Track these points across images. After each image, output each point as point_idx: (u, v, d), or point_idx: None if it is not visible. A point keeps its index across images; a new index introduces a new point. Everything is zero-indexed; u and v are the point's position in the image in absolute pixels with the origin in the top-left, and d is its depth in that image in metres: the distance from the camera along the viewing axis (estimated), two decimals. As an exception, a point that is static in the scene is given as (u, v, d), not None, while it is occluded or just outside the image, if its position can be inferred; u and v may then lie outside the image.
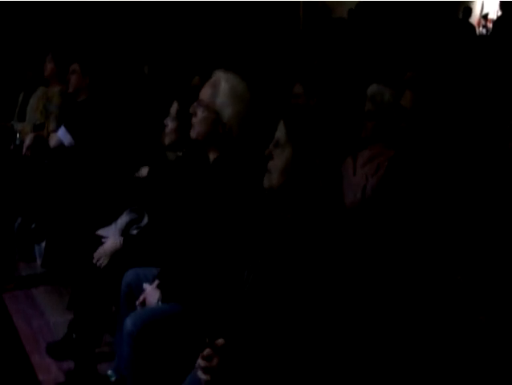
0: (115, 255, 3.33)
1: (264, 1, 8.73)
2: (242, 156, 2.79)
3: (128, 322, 2.71)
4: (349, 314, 2.18)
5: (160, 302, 2.78)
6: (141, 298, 2.84)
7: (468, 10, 10.20)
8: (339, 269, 2.12)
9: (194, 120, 2.88)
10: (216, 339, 2.10)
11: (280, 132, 2.26)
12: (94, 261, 3.33)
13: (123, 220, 3.56)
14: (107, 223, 3.59)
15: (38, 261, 4.97)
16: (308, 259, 2.10)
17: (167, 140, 3.52)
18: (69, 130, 4.76)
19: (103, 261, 3.33)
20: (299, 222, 2.20)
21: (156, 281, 2.88)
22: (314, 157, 2.20)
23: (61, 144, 4.78)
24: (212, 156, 2.91)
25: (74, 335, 3.63)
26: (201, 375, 2.06)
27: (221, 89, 2.81)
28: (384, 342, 2.58)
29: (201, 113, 2.85)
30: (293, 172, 2.22)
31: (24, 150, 4.99)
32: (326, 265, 2.09)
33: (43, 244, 4.84)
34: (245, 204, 2.60)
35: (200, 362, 2.07)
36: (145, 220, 3.56)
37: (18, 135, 5.29)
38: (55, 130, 4.98)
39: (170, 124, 3.48)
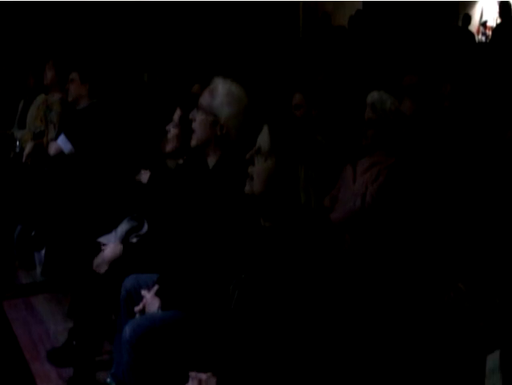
0: (114, 262, 3.32)
1: (263, 8, 8.75)
2: (241, 161, 2.81)
3: (127, 330, 2.70)
4: (339, 326, 2.17)
5: (159, 310, 2.78)
6: (141, 306, 2.83)
7: (467, 18, 10.22)
8: (325, 279, 2.10)
9: (194, 125, 2.97)
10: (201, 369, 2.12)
11: (263, 140, 2.23)
12: (93, 268, 3.32)
13: (123, 228, 3.55)
14: (107, 231, 3.58)
15: (38, 269, 4.96)
16: (290, 271, 2.08)
17: (168, 147, 3.53)
18: (69, 138, 4.76)
19: (102, 269, 3.32)
20: (279, 232, 2.19)
21: (155, 288, 2.87)
22: (297, 169, 2.18)
23: (61, 152, 4.78)
24: (211, 161, 2.96)
25: (74, 342, 3.62)
26: None
27: (218, 92, 2.91)
28: (378, 353, 2.58)
29: (199, 117, 2.94)
30: (274, 181, 2.19)
31: (24, 158, 5.00)
32: (309, 276, 2.07)
33: (43, 252, 4.84)
34: (242, 210, 2.60)
35: None
36: (145, 228, 3.56)
37: (18, 142, 5.30)
38: (55, 138, 4.98)
39: (172, 131, 3.49)
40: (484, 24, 12.07)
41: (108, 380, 3.32)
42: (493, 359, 2.14)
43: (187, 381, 2.16)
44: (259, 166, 2.22)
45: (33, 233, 4.86)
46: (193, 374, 2.12)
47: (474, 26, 11.51)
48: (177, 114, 3.51)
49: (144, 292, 2.86)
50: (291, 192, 2.18)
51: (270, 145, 2.20)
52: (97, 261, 3.33)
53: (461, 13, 10.54)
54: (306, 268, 2.07)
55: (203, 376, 2.10)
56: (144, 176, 4.01)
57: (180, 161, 3.52)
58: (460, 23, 10.20)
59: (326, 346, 2.09)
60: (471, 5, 12.00)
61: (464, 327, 2.54)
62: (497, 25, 9.16)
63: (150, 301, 2.82)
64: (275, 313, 2.07)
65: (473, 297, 2.63)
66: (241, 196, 2.34)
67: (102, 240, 3.52)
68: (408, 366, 2.52)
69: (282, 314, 2.06)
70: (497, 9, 9.78)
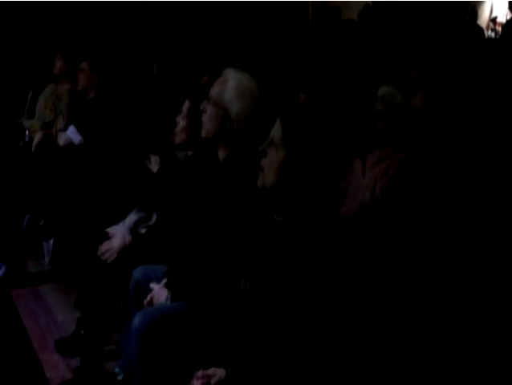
0: (123, 252, 3.32)
1: (273, 1, 8.73)
2: (252, 154, 2.80)
3: (136, 320, 2.71)
4: (349, 319, 2.17)
5: (168, 301, 2.78)
6: (149, 298, 2.83)
7: (473, 12, 10.11)
8: (335, 273, 2.11)
9: (204, 117, 2.93)
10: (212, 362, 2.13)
11: (276, 132, 2.24)
12: (98, 254, 3.32)
13: (131, 218, 3.55)
14: (116, 221, 3.59)
15: (47, 259, 4.96)
16: (302, 265, 2.09)
17: (177, 139, 3.52)
18: (78, 128, 4.77)
19: (111, 256, 3.32)
20: (291, 226, 2.19)
21: (164, 280, 2.87)
22: (309, 160, 2.19)
23: (70, 143, 4.80)
24: (222, 155, 2.93)
25: (82, 332, 3.63)
26: None
27: (228, 85, 2.85)
28: (382, 349, 2.58)
29: (209, 110, 2.89)
30: (286, 173, 2.20)
31: (33, 148, 5.02)
32: (321, 270, 2.08)
33: (51, 241, 4.84)
34: (252, 203, 2.60)
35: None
36: (154, 219, 3.56)
37: (27, 132, 5.31)
38: (64, 128, 5.00)
39: (181, 122, 3.48)
40: (494, 20, 12.00)
41: (117, 370, 3.34)
42: None
43: (195, 372, 2.17)
44: (271, 157, 2.23)
45: (41, 223, 4.87)
46: (199, 373, 2.13)
47: (484, 21, 11.45)
48: (186, 105, 3.50)
49: (152, 284, 2.87)
50: (302, 184, 2.19)
51: (281, 136, 2.21)
52: (104, 248, 3.33)
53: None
54: (317, 262, 2.08)
55: (209, 372, 2.11)
56: (154, 162, 4.00)
57: (190, 153, 3.51)
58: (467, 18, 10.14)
59: (335, 340, 2.09)
60: (481, 2, 11.93)
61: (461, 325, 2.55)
62: (507, 21, 9.13)
63: (158, 292, 2.82)
64: (286, 306, 2.07)
65: (470, 299, 2.63)
66: (253, 189, 2.34)
67: (110, 230, 3.53)
68: (410, 364, 2.53)
69: (292, 308, 2.06)
70: (506, 4, 9.74)
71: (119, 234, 3.38)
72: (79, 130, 4.79)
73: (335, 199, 3.34)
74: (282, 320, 2.08)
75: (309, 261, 2.08)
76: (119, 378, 3.32)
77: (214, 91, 2.89)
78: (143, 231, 3.50)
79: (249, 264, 2.27)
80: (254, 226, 2.39)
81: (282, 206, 2.24)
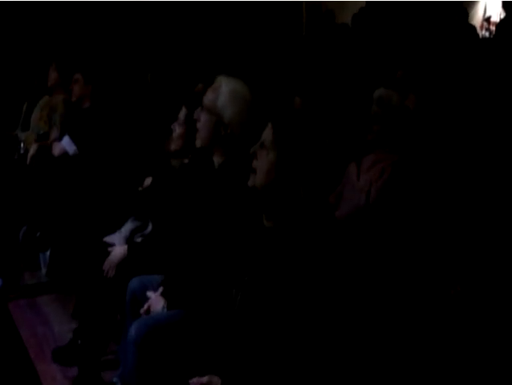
0: (120, 263, 3.32)
1: (266, 5, 8.74)
2: (246, 159, 2.80)
3: (132, 330, 2.71)
4: (343, 326, 2.16)
5: (165, 310, 2.78)
6: (146, 307, 2.83)
7: (464, 12, 10.03)
8: (328, 279, 2.10)
9: (198, 125, 2.95)
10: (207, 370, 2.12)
11: (267, 134, 2.25)
12: (104, 274, 3.33)
13: (127, 227, 3.55)
14: (112, 231, 3.58)
15: (43, 270, 4.97)
16: (293, 271, 2.08)
17: (173, 146, 3.52)
18: (73, 138, 4.76)
19: (110, 273, 3.32)
20: (281, 232, 2.19)
21: (161, 289, 2.87)
22: (299, 164, 2.19)
23: (65, 153, 4.79)
24: (217, 161, 2.95)
25: (79, 342, 3.62)
26: None
27: (221, 92, 2.87)
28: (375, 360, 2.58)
29: (203, 117, 2.92)
30: (276, 176, 2.20)
31: (29, 160, 5.01)
32: (313, 275, 2.07)
33: (48, 252, 4.84)
34: (246, 210, 2.60)
35: None
36: (149, 227, 3.56)
37: (22, 144, 5.31)
38: (58, 139, 4.99)
39: (178, 129, 3.49)
40: (488, 19, 12.00)
41: (114, 380, 3.33)
42: None
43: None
44: (261, 159, 2.23)
45: (38, 234, 4.86)
46: (194, 380, 2.12)
47: (478, 21, 11.44)
48: (183, 112, 3.51)
49: (149, 293, 2.87)
50: (293, 187, 2.18)
51: (272, 139, 2.21)
52: (105, 266, 3.33)
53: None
54: (310, 269, 2.07)
55: (204, 379, 2.10)
56: (148, 182, 4.00)
57: (186, 160, 3.51)
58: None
59: (328, 348, 2.08)
60: (474, 2, 11.92)
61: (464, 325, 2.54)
62: (501, 20, 9.11)
63: (155, 300, 2.82)
64: (278, 315, 2.07)
65: (470, 301, 2.62)
66: (246, 196, 2.34)
67: (107, 240, 3.53)
68: (408, 366, 2.52)
69: (285, 316, 2.06)
70: (500, 4, 9.71)
71: (115, 248, 3.38)
72: (74, 140, 4.78)
73: (327, 203, 3.33)
74: (275, 328, 2.08)
75: (300, 268, 2.08)
76: (117, 388, 3.32)
77: (207, 98, 2.92)
78: (139, 240, 3.49)
79: (241, 273, 2.26)
80: (246, 233, 2.38)
81: (272, 210, 2.24)
